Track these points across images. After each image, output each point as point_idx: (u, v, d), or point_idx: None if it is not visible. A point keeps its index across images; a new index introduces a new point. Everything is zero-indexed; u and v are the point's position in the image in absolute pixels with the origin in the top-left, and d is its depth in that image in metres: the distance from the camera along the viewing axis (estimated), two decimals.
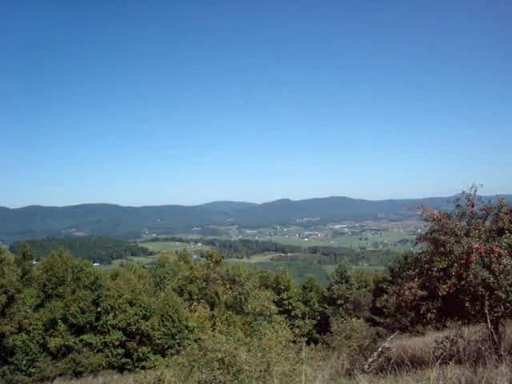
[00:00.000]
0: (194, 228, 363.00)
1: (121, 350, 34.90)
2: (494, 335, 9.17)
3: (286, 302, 49.07)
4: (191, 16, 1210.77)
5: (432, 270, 9.51)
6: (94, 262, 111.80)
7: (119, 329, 34.93)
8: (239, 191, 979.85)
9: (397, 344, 16.51)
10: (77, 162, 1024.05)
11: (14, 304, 34.54)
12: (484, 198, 10.25)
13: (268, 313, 35.93)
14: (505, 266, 8.79)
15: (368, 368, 8.92)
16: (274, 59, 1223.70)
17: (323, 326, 44.70)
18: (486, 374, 6.56)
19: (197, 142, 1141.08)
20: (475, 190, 10.07)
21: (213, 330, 11.94)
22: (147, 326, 35.20)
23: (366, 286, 51.16)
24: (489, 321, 8.93)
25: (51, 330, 35.27)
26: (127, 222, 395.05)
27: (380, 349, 10.04)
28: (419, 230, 11.81)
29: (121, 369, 34.11)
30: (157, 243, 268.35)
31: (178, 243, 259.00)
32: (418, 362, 9.25)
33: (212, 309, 41.78)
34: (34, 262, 46.05)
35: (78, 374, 32.36)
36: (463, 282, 9.09)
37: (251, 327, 35.05)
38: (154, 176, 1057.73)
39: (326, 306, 49.94)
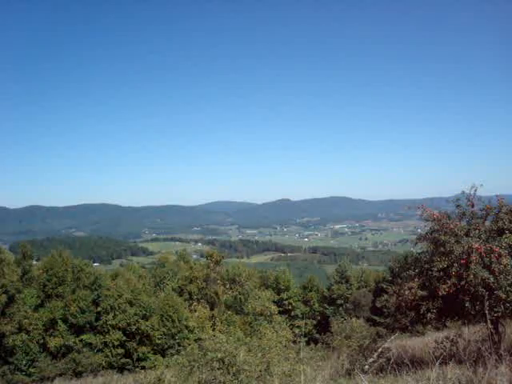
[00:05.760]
0: (194, 228, 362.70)
1: (121, 350, 34.91)
2: (494, 335, 9.17)
3: (286, 302, 49.06)
4: (190, 16, 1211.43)
5: (432, 270, 9.51)
6: (94, 262, 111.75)
7: (119, 329, 34.92)
8: (239, 191, 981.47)
9: (397, 344, 16.50)
10: (77, 162, 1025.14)
11: (14, 304, 34.61)
12: (484, 198, 10.24)
13: (268, 313, 35.92)
14: (505, 266, 8.79)
15: (368, 368, 8.91)
16: (273, 59, 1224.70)
17: (323, 325, 44.67)
18: (486, 374, 6.55)
19: (197, 141, 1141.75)
20: (475, 190, 10.07)
21: (213, 330, 11.93)
22: (147, 326, 35.19)
23: (366, 286, 51.14)
24: (489, 321, 8.92)
25: (51, 330, 35.30)
26: (127, 222, 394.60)
27: (380, 349, 10.04)
28: (419, 230, 11.81)
29: (121, 369, 34.12)
30: (157, 243, 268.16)
31: (177, 243, 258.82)
32: (418, 362, 9.24)
33: (212, 309, 41.79)
34: (34, 262, 46.08)
35: (77, 374, 32.37)
36: (463, 282, 9.10)
37: (251, 327, 35.02)
38: (154, 176, 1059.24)
39: (326, 305, 49.93)
